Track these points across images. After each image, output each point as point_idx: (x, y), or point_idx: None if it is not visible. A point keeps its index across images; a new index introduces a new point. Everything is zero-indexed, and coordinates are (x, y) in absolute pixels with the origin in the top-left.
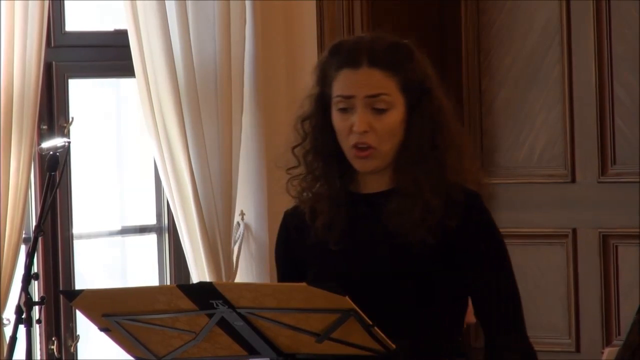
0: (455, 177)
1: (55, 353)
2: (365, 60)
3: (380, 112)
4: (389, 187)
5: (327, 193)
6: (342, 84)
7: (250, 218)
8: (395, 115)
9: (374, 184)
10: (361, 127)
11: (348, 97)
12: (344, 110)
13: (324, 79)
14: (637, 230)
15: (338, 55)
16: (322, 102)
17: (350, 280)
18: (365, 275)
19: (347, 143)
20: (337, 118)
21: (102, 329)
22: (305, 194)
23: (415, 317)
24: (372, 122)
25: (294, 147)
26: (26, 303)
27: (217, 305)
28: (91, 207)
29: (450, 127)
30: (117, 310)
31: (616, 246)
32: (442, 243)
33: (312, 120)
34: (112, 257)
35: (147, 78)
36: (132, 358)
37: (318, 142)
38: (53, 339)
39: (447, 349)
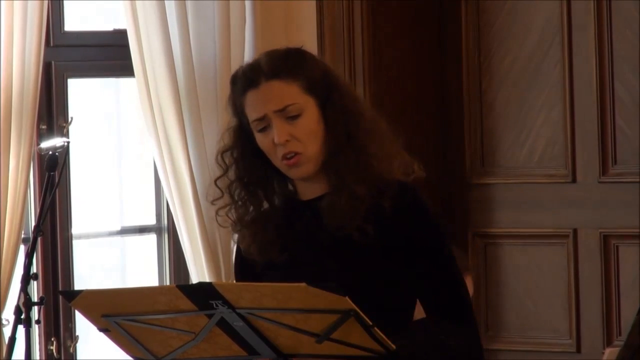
0: (380, 164)
1: (55, 353)
2: (262, 75)
3: (294, 118)
4: (325, 190)
5: (260, 217)
6: (251, 106)
7: None
8: (310, 117)
9: (313, 190)
10: (281, 138)
11: (261, 118)
12: (263, 130)
13: (236, 109)
14: (638, 230)
15: (239, 82)
16: (242, 132)
17: None
18: (312, 279)
19: (276, 158)
20: (260, 139)
21: (101, 330)
22: (239, 224)
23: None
24: (290, 130)
25: (216, 180)
26: (25, 303)
27: (216, 305)
28: (90, 207)
29: (365, 115)
30: (116, 311)
31: (617, 246)
32: (381, 233)
33: (234, 151)
34: (111, 257)
35: (147, 78)
36: (131, 358)
37: (241, 171)
38: (52, 339)
39: None
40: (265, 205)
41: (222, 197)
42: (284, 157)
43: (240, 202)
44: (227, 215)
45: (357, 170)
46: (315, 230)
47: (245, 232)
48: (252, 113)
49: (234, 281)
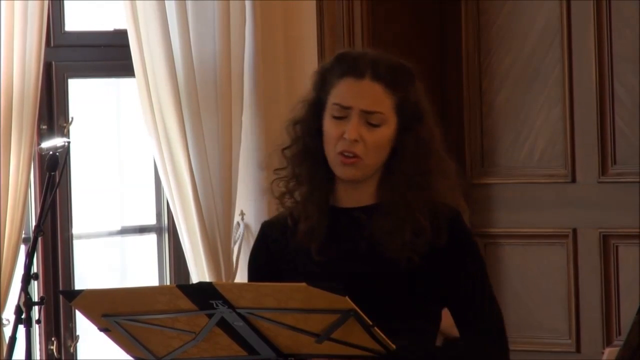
0: (438, 199)
1: (55, 353)
2: (369, 72)
3: (372, 126)
4: (370, 202)
5: (312, 197)
6: (343, 92)
7: (250, 218)
8: (386, 132)
9: (356, 198)
10: (353, 135)
11: (345, 107)
12: (339, 118)
13: (323, 84)
14: (638, 230)
15: (342, 63)
16: (315, 107)
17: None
18: (348, 287)
19: (334, 149)
20: (329, 124)
21: (101, 329)
22: (287, 196)
23: (396, 328)
24: (363, 133)
25: (284, 149)
26: (26, 303)
27: (216, 305)
28: (91, 207)
29: (440, 154)
30: (116, 311)
31: (616, 246)
32: (428, 262)
33: (304, 125)
34: (111, 257)
35: (147, 78)
36: (131, 358)
37: (308, 146)
38: (53, 339)
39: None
40: (319, 187)
41: (286, 167)
42: (342, 153)
43: (299, 178)
44: (278, 185)
45: (423, 204)
46: (353, 240)
47: (294, 205)
48: (340, 98)
49: (250, 264)
